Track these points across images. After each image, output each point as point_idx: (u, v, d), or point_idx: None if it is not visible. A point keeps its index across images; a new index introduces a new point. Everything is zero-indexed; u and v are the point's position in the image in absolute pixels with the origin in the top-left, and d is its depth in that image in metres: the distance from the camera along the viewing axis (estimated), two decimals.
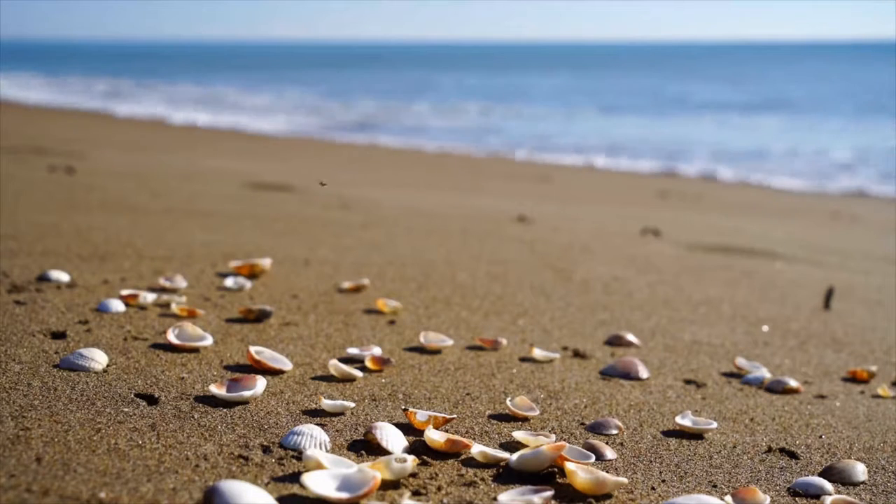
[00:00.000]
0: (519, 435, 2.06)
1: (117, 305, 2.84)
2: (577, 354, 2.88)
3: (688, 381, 2.71)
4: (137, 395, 2.13)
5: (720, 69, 55.30)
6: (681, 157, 14.77)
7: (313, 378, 2.41)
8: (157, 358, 2.42)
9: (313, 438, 1.92)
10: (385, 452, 1.92)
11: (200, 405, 2.10)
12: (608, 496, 1.82)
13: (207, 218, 4.90)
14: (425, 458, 1.90)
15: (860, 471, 2.07)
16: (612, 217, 6.91)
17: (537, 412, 2.27)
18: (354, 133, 17.75)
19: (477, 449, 1.93)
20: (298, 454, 1.86)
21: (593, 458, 1.98)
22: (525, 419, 2.24)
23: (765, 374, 2.80)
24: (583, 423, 2.26)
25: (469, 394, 2.40)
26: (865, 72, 47.38)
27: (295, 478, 1.74)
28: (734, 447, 2.19)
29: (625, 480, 1.85)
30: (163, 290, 3.17)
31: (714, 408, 2.48)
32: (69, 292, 3.02)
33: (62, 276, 3.16)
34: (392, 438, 1.95)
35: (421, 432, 2.05)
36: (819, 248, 6.00)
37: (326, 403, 2.15)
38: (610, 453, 2.05)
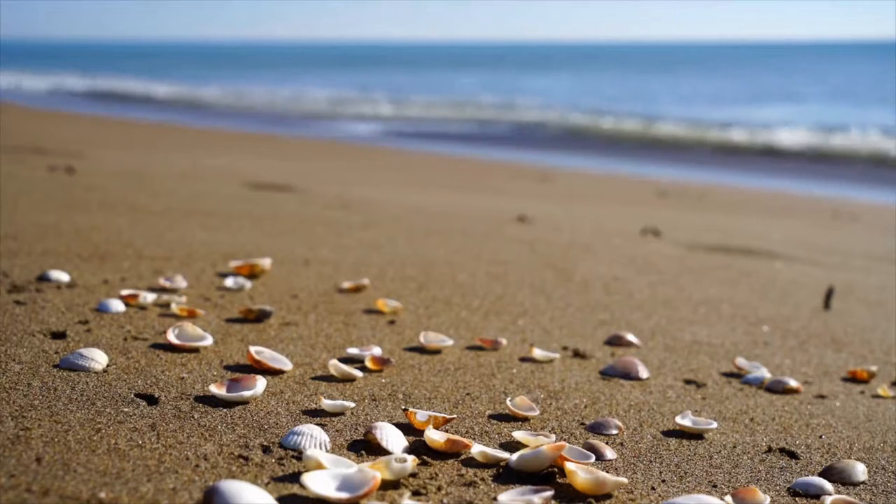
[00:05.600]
0: (519, 435, 2.06)
1: (117, 305, 2.84)
2: (577, 354, 2.88)
3: (688, 381, 2.71)
4: (137, 395, 2.13)
5: (726, 69, 55.27)
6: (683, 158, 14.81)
7: (313, 378, 2.41)
8: (157, 358, 2.42)
9: (313, 438, 1.92)
10: (385, 452, 1.92)
11: (200, 405, 2.10)
12: (608, 496, 1.82)
13: (207, 218, 4.90)
14: (425, 458, 1.90)
15: (860, 471, 2.07)
16: (612, 217, 6.91)
17: (537, 412, 2.27)
18: (355, 132, 17.76)
19: (477, 449, 1.93)
20: (298, 454, 1.86)
21: (593, 458, 1.98)
22: (525, 419, 2.24)
23: (765, 374, 2.80)
24: (583, 423, 2.26)
25: (469, 394, 2.40)
26: (868, 70, 47.38)
27: (295, 478, 1.75)
28: (734, 447, 2.19)
29: (625, 480, 1.85)
30: (163, 290, 3.17)
31: (714, 408, 2.48)
32: (69, 292, 3.02)
33: (62, 276, 3.16)
34: (392, 438, 1.95)
35: (421, 432, 2.05)
36: (819, 248, 6.00)
37: (326, 403, 2.15)
38: (610, 453, 2.05)
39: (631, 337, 3.09)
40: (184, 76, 39.65)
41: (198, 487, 1.66)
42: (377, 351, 2.63)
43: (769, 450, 2.19)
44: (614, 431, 2.21)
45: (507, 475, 1.88)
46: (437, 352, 2.77)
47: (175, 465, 1.75)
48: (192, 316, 2.84)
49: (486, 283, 3.83)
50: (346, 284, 3.47)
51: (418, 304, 3.34)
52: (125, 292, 2.94)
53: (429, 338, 2.82)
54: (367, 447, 1.95)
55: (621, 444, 2.15)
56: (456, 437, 1.97)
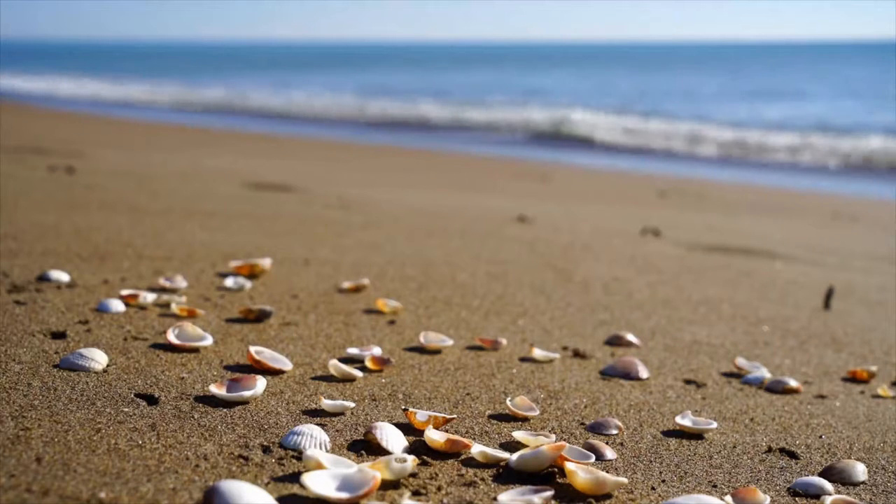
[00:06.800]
0: (519, 435, 2.06)
1: (117, 305, 2.84)
2: (577, 354, 2.88)
3: (688, 381, 2.71)
4: (137, 395, 2.13)
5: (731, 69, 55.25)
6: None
7: (313, 378, 2.41)
8: (157, 358, 2.42)
9: (313, 438, 1.92)
10: (385, 452, 1.92)
11: (200, 405, 2.10)
12: (608, 496, 1.82)
13: (207, 218, 4.90)
14: (425, 458, 1.90)
15: (860, 471, 2.07)
16: (612, 217, 6.91)
17: (537, 412, 2.27)
18: (357, 132, 17.76)
19: (477, 449, 1.93)
20: (298, 454, 1.86)
21: (593, 458, 1.98)
22: (525, 419, 2.24)
23: (765, 374, 2.80)
24: (583, 423, 2.26)
25: (469, 394, 2.40)
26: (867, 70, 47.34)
27: (295, 478, 1.75)
28: (734, 447, 2.19)
29: (625, 480, 1.85)
30: (163, 290, 3.17)
31: (714, 408, 2.48)
32: (69, 292, 3.02)
33: (62, 276, 3.16)
34: (392, 438, 1.95)
35: (421, 432, 2.05)
36: (819, 248, 6.00)
37: (326, 403, 2.15)
38: (610, 453, 2.05)
39: (631, 337, 3.09)
40: (192, 77, 39.64)
41: (198, 487, 1.66)
42: (377, 351, 2.63)
43: (769, 450, 2.19)
44: (614, 431, 2.21)
45: (507, 475, 1.88)
46: (437, 352, 2.77)
47: (175, 465, 1.75)
48: (192, 316, 2.84)
49: (486, 283, 3.83)
50: (346, 284, 3.47)
51: (418, 304, 3.34)
52: (125, 292, 2.94)
53: (429, 338, 2.82)
54: (367, 447, 1.95)
55: (621, 444, 2.15)
56: (456, 437, 1.97)
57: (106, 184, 5.99)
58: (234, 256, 3.82)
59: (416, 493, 1.74)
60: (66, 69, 44.36)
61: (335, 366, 2.42)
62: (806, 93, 31.38)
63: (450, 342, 2.83)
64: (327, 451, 1.89)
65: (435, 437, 1.95)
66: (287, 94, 28.97)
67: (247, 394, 2.15)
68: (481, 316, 3.28)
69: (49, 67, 46.26)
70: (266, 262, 3.56)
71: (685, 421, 2.27)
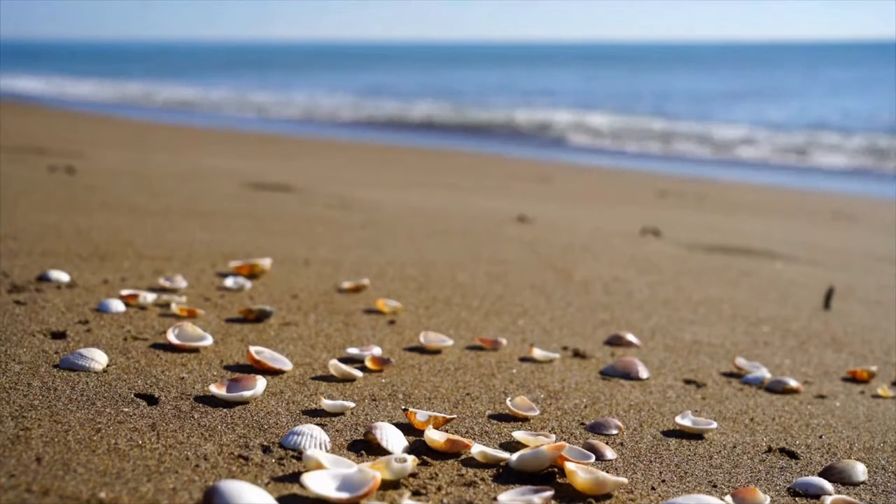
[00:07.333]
0: (519, 435, 2.06)
1: (117, 305, 2.84)
2: (577, 354, 2.88)
3: (688, 381, 2.71)
4: (137, 395, 2.13)
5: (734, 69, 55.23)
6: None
7: (313, 378, 2.41)
8: (157, 358, 2.42)
9: (313, 438, 1.92)
10: (385, 452, 1.92)
11: (200, 405, 2.10)
12: (608, 496, 1.82)
13: (207, 218, 4.91)
14: (425, 458, 1.90)
15: (860, 471, 2.07)
16: (612, 217, 6.91)
17: (537, 412, 2.27)
18: (357, 132, 17.76)
19: (477, 449, 1.93)
20: (298, 454, 1.86)
21: (593, 458, 1.98)
22: (525, 419, 2.24)
23: (765, 374, 2.80)
24: (583, 423, 2.26)
25: (469, 394, 2.40)
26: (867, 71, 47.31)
27: (295, 478, 1.75)
28: (734, 447, 2.19)
29: (625, 480, 1.85)
30: (163, 290, 3.17)
31: (714, 408, 2.48)
32: (69, 292, 3.02)
33: (62, 276, 3.16)
34: (392, 438, 1.95)
35: (421, 432, 2.05)
36: (819, 248, 6.00)
37: (326, 403, 2.15)
38: (610, 453, 2.05)
39: (631, 337, 3.09)
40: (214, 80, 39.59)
41: (198, 487, 1.66)
42: (377, 351, 2.64)
43: (769, 450, 2.19)
44: (614, 431, 2.21)
45: (507, 475, 1.88)
46: (437, 352, 2.78)
47: (175, 465, 1.75)
48: (192, 316, 2.84)
49: (486, 283, 3.83)
50: (346, 284, 3.47)
51: (418, 304, 3.34)
52: (125, 292, 2.94)
53: (429, 338, 2.82)
54: (367, 447, 1.95)
55: (621, 444, 2.15)
56: (456, 437, 1.97)
57: (106, 184, 5.99)
58: (234, 256, 3.82)
59: (416, 493, 1.74)
60: (66, 69, 44.41)
61: (335, 366, 2.42)
62: (806, 93, 31.38)
63: (450, 342, 2.83)
64: (327, 451, 1.89)
65: (435, 437, 1.95)
66: (287, 94, 28.96)
67: (247, 394, 2.15)
68: (481, 316, 3.28)
69: (49, 67, 46.32)
70: (266, 262, 3.56)
71: (685, 421, 2.27)
